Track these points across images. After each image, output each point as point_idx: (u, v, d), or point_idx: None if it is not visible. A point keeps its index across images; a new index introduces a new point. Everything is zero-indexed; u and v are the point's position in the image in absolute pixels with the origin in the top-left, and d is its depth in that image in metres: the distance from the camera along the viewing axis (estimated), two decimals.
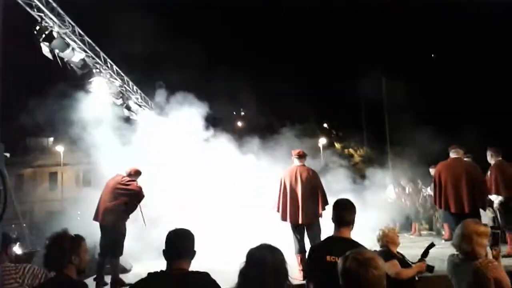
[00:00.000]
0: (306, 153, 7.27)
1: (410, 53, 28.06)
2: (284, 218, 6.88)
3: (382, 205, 13.35)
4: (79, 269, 3.15)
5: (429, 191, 11.53)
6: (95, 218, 7.25)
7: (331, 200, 6.66)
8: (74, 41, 8.26)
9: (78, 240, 3.22)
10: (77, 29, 8.49)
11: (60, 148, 29.96)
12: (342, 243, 3.34)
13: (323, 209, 6.76)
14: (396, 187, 13.14)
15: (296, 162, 7.08)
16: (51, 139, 30.98)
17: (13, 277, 3.28)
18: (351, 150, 33.17)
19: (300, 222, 6.71)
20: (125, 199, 7.15)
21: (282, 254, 2.62)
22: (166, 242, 2.94)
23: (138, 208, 7.50)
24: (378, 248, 4.66)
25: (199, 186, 10.38)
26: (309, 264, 3.57)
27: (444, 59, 28.64)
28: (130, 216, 7.39)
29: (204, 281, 2.85)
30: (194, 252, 2.95)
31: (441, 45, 27.15)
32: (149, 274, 2.97)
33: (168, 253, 2.92)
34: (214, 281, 2.86)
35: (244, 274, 2.57)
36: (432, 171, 10.72)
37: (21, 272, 3.30)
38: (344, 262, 2.36)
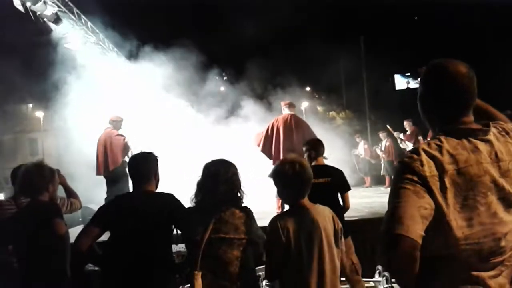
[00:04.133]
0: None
1: (391, 14, 27.91)
2: (275, 159, 6.95)
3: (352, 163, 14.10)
4: (51, 197, 3.30)
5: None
6: (97, 172, 7.97)
7: None
8: None
9: (54, 170, 3.38)
10: None
11: (40, 114, 29.63)
12: (319, 167, 4.43)
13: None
14: (365, 144, 13.96)
15: (287, 111, 7.30)
16: (30, 105, 30.58)
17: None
18: (333, 113, 33.30)
19: None
20: (116, 151, 7.77)
21: (235, 167, 2.85)
22: (129, 166, 3.10)
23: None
24: None
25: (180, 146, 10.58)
26: None
27: (428, 22, 28.56)
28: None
29: (169, 199, 3.03)
30: (157, 175, 3.11)
31: (425, 8, 27.02)
32: (116, 196, 3.15)
33: (132, 176, 3.08)
34: (178, 200, 3.04)
35: (200, 185, 2.78)
36: (406, 124, 11.15)
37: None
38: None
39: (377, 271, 4.95)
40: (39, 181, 3.23)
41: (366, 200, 9.07)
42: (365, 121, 25.61)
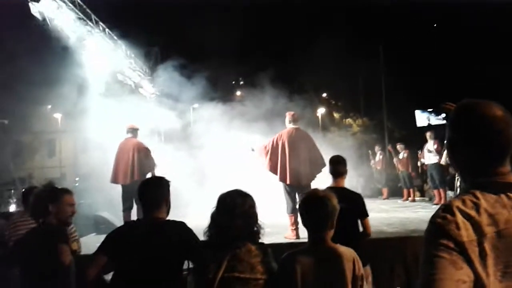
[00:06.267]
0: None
1: (410, 21, 27.57)
2: (283, 179, 6.77)
3: (370, 173, 13.94)
4: (58, 219, 3.21)
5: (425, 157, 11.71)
6: (113, 179, 7.82)
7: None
8: (64, 2, 8.13)
9: (57, 191, 3.30)
10: None
11: (57, 115, 29.97)
12: (338, 191, 3.75)
13: (320, 171, 6.81)
14: (382, 155, 13.77)
15: (292, 125, 7.01)
16: (49, 106, 30.90)
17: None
18: (350, 120, 33.07)
19: (302, 183, 6.66)
20: (142, 162, 7.72)
21: (252, 199, 2.69)
22: (139, 192, 2.99)
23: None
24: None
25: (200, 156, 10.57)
26: None
27: (446, 30, 28.15)
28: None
29: (180, 228, 2.90)
30: (168, 201, 2.99)
31: (444, 16, 26.60)
32: (125, 223, 3.03)
33: (142, 202, 2.97)
34: (190, 229, 2.92)
35: (214, 217, 2.64)
36: (429, 135, 10.95)
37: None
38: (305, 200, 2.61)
39: None
40: (37, 204, 3.23)
41: (384, 215, 8.85)
42: (382, 129, 25.23)
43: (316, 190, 2.61)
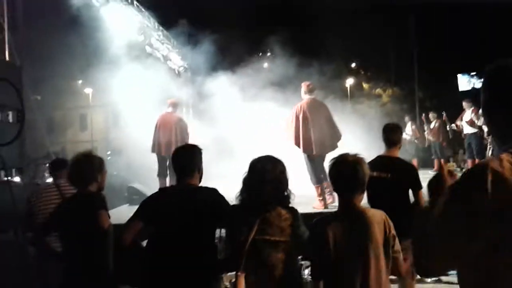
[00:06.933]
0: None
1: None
2: (308, 150, 6.74)
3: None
4: (100, 187, 3.29)
5: (454, 126, 11.46)
6: (157, 150, 8.30)
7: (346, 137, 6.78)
8: None
9: (103, 160, 3.37)
10: None
11: (88, 90, 30.47)
12: (389, 161, 4.06)
13: (339, 140, 6.82)
14: (413, 125, 13.45)
15: (308, 95, 6.93)
16: (80, 81, 31.40)
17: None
18: (379, 90, 32.47)
19: (326, 152, 6.64)
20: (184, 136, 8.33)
21: (282, 165, 2.72)
22: (173, 159, 3.03)
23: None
24: None
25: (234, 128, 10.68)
26: None
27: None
28: None
29: (212, 194, 2.95)
30: (200, 169, 3.03)
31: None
32: (160, 189, 3.10)
33: (176, 169, 3.02)
34: (221, 195, 2.96)
35: (246, 182, 2.67)
36: (466, 105, 10.68)
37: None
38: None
39: None
40: (89, 171, 3.21)
41: None
42: (413, 99, 24.69)
43: (346, 154, 2.59)
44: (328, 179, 2.74)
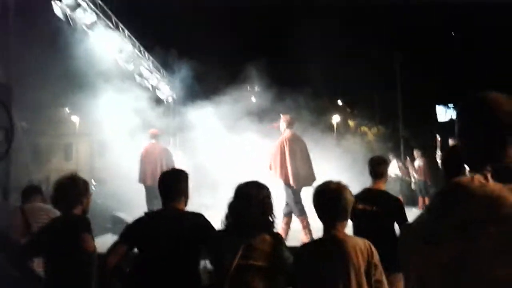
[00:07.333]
0: None
1: (428, 29, 27.32)
2: (294, 182, 6.76)
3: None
4: (84, 210, 3.26)
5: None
6: (143, 180, 8.49)
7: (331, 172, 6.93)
8: (86, 2, 8.25)
9: (88, 183, 3.34)
10: None
11: (75, 118, 30.36)
12: (375, 194, 4.07)
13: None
14: (399, 162, 13.57)
15: (290, 129, 7.06)
16: (67, 109, 31.31)
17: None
18: (365, 128, 32.89)
19: (308, 185, 6.69)
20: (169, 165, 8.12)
21: (268, 190, 2.75)
22: (159, 183, 3.03)
23: None
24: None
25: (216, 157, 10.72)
26: None
27: (466, 38, 27.78)
28: None
29: (198, 219, 2.94)
30: (186, 193, 3.03)
31: (464, 24, 26.25)
32: (145, 213, 3.08)
33: (161, 193, 3.02)
34: (207, 220, 2.95)
35: (231, 206, 2.69)
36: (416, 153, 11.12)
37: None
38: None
39: None
40: (73, 195, 3.19)
41: None
42: (398, 138, 25.01)
43: (329, 182, 2.62)
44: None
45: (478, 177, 1.34)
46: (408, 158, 13.53)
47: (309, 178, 6.81)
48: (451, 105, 24.05)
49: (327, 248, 2.50)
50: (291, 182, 6.78)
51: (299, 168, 6.81)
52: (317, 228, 2.72)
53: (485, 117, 1.47)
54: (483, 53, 24.90)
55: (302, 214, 6.67)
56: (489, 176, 1.35)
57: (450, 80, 24.96)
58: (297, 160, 6.84)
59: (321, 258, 2.47)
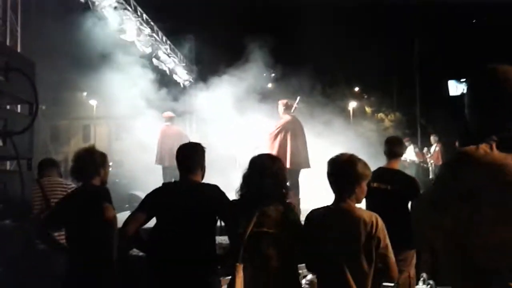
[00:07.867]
0: None
1: (448, 15, 26.83)
2: (297, 166, 6.92)
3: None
4: (102, 181, 3.38)
5: None
6: (160, 161, 8.86)
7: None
8: None
9: (105, 155, 3.45)
10: None
11: (93, 102, 30.66)
12: (390, 173, 4.12)
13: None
14: (416, 148, 13.54)
15: (288, 113, 7.17)
16: (85, 93, 31.62)
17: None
18: (382, 115, 32.62)
19: (307, 167, 7.02)
20: None
21: (281, 162, 2.83)
22: (177, 155, 3.14)
23: None
24: None
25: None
26: None
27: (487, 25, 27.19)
28: None
29: (214, 190, 3.05)
30: (203, 166, 3.14)
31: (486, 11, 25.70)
32: (163, 184, 3.20)
33: (179, 165, 3.12)
34: (222, 192, 3.06)
35: (245, 178, 2.79)
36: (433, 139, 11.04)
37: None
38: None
39: (421, 279, 4.79)
40: (91, 166, 3.29)
41: None
42: (415, 124, 24.79)
43: (342, 153, 2.72)
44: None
45: (484, 147, 1.42)
46: (425, 149, 13.48)
47: (307, 161, 7.02)
48: (463, 79, 23.78)
49: (329, 217, 2.63)
50: (288, 164, 6.79)
51: (299, 150, 6.96)
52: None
53: (495, 88, 1.52)
54: (494, 28, 24.52)
55: (293, 196, 6.74)
56: (494, 145, 1.41)
57: (462, 55, 24.65)
58: (297, 143, 6.97)
59: (324, 227, 2.61)
